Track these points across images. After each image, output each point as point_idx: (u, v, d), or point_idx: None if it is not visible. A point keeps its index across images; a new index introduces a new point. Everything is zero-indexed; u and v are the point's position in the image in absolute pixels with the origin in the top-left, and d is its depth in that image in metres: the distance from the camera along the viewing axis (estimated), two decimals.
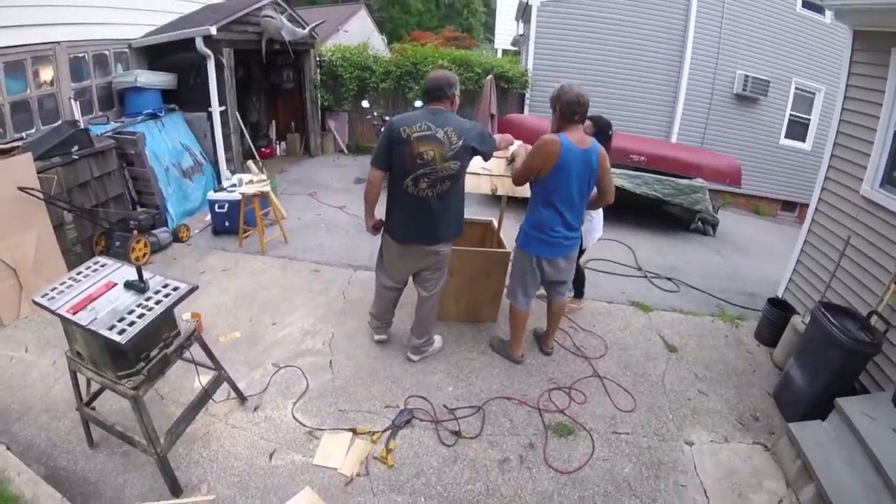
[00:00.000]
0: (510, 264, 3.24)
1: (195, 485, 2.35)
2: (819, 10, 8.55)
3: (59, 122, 4.80)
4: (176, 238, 4.98)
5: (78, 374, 2.34)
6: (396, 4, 20.92)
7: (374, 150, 2.75)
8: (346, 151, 9.19)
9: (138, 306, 2.09)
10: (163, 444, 2.21)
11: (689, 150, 7.30)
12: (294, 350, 3.33)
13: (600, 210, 3.66)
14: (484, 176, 3.26)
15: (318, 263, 4.68)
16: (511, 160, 3.29)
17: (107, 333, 1.94)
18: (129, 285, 2.21)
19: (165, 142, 5.45)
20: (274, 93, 8.86)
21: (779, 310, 3.97)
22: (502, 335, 3.56)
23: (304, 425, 2.70)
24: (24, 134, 4.54)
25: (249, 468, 2.45)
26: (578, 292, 4.12)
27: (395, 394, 2.97)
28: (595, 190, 2.91)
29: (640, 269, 5.25)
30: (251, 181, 5.07)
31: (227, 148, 6.24)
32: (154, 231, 4.69)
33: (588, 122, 3.20)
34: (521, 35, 12.13)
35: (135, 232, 4.41)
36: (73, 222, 4.18)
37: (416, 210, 2.70)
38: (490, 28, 27.71)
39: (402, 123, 2.59)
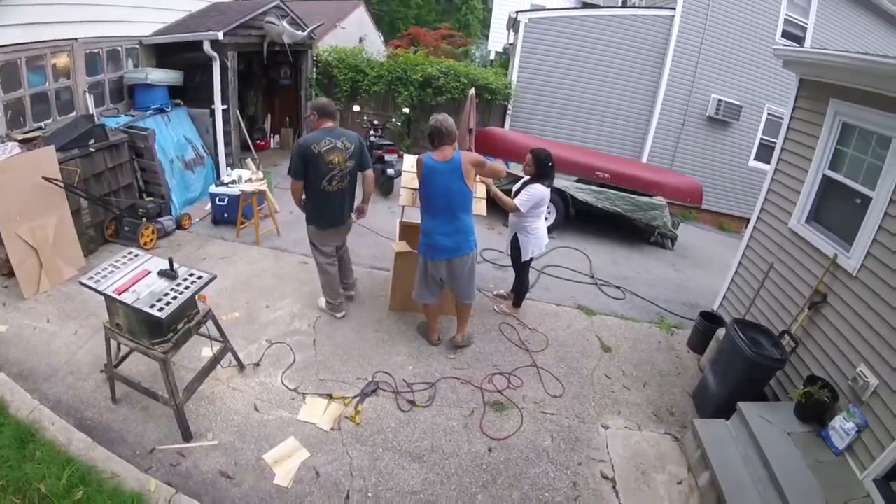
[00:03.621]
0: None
1: (202, 433, 2.91)
2: (799, 40, 9.10)
3: (76, 114, 5.24)
4: (179, 226, 5.49)
5: (111, 342, 2.87)
6: None
7: (290, 166, 3.58)
8: None
9: (171, 290, 2.69)
10: (181, 397, 2.78)
11: (653, 170, 7.88)
12: (284, 329, 3.90)
13: (541, 224, 4.21)
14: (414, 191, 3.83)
15: (307, 256, 5.08)
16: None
17: (149, 310, 2.53)
18: (162, 273, 2.80)
19: (171, 135, 5.91)
20: (271, 88, 9.30)
21: (709, 322, 4.57)
22: (445, 330, 4.14)
23: (291, 389, 3.29)
24: (42, 124, 4.95)
25: (246, 421, 3.03)
26: (518, 301, 4.62)
27: (364, 369, 3.57)
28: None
29: (592, 276, 5.85)
30: (250, 179, 5.58)
31: (227, 143, 6.70)
32: (160, 218, 5.19)
33: (528, 157, 3.81)
34: (510, 44, 12.62)
35: (144, 219, 4.91)
36: (88, 208, 4.66)
37: (332, 201, 3.65)
38: (488, 25, 28.01)
39: (311, 142, 3.46)
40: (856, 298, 3.31)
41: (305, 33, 7.71)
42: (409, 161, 3.98)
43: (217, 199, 5.65)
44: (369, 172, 3.77)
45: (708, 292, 6.08)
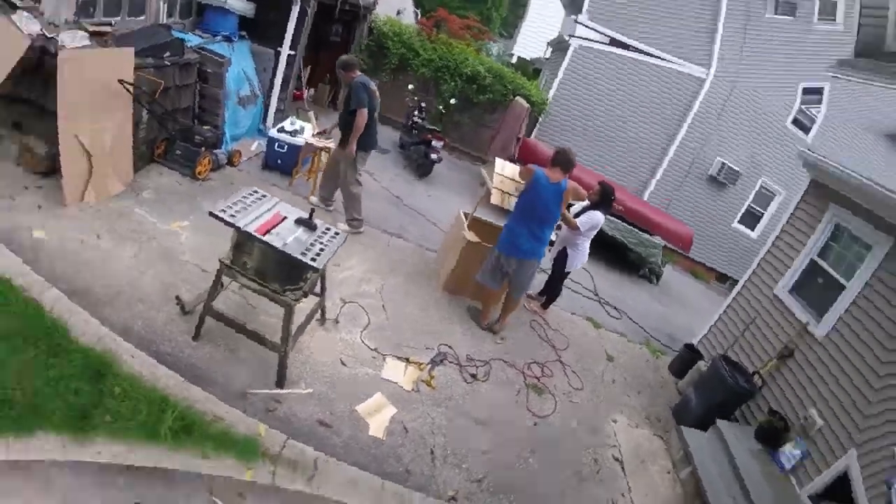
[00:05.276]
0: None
1: (294, 381, 3.02)
2: (806, 129, 10.30)
3: (144, 18, 5.11)
4: (230, 161, 5.50)
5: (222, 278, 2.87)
6: None
7: (357, 99, 4.62)
8: None
9: (317, 241, 2.92)
10: (290, 344, 2.88)
11: (657, 211, 8.85)
12: (355, 290, 4.30)
13: (588, 244, 4.95)
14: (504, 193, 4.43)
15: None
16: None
17: (302, 258, 2.65)
18: (300, 222, 3.00)
19: (233, 68, 5.78)
20: (320, 43, 9.40)
21: (691, 352, 5.52)
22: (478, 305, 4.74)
23: (371, 349, 3.71)
24: (112, 20, 4.71)
25: (335, 373, 3.26)
26: (547, 304, 5.37)
27: (431, 340, 4.09)
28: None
29: (596, 294, 6.69)
30: (316, 131, 5.81)
31: (284, 89, 6.85)
32: (215, 150, 5.19)
33: (596, 187, 4.60)
34: (547, 59, 13.23)
35: (203, 148, 4.91)
36: (146, 123, 4.48)
37: (376, 128, 4.96)
38: (507, 26, 28.34)
39: (369, 81, 4.77)
40: (817, 358, 4.29)
41: None
42: (503, 164, 4.47)
43: (276, 144, 5.76)
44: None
45: (685, 328, 7.10)
